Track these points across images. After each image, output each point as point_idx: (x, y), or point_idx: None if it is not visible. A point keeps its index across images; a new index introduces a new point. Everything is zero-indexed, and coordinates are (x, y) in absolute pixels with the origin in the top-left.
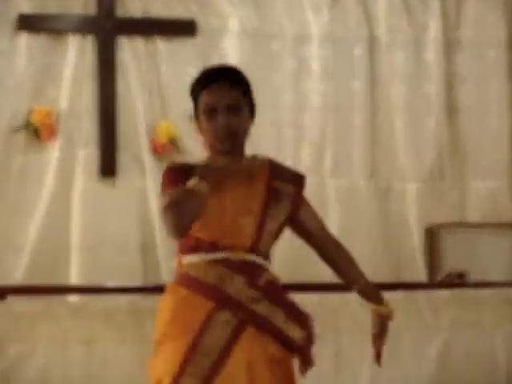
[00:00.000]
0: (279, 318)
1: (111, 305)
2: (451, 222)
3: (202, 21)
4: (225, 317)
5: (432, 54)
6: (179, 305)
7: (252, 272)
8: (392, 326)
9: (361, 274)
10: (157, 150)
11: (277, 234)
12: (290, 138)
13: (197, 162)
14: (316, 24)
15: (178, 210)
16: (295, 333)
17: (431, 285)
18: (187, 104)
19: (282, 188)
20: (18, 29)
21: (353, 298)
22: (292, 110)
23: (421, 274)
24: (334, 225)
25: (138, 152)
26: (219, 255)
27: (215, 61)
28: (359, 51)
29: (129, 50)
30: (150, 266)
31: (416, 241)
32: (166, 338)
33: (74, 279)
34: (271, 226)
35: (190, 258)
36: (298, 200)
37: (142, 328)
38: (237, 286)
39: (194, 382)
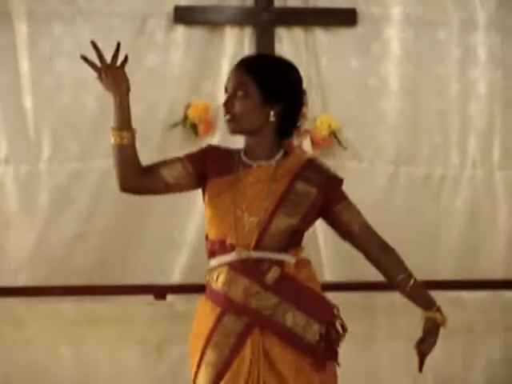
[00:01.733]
0: (290, 316)
1: None
2: None
3: (363, 10)
4: (231, 321)
5: None
6: (198, 314)
7: (258, 270)
8: None
9: (408, 278)
10: (317, 143)
11: (290, 234)
12: (456, 128)
13: (234, 150)
14: (483, 10)
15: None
16: (310, 329)
17: None
18: (348, 96)
19: (303, 189)
20: (175, 22)
21: None
22: (458, 100)
23: None
24: (501, 222)
25: (298, 145)
26: (227, 257)
27: (377, 51)
28: None
29: (287, 41)
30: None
31: None
32: (190, 353)
33: None
34: (278, 226)
35: (210, 263)
36: (328, 202)
37: None
38: (242, 289)
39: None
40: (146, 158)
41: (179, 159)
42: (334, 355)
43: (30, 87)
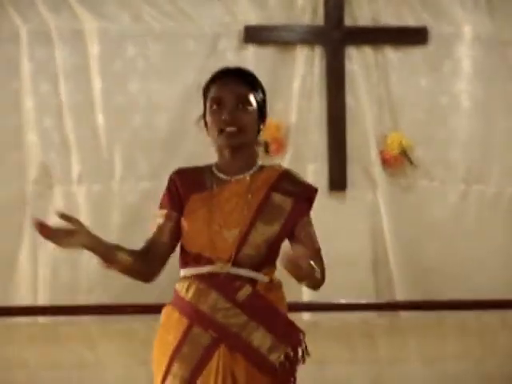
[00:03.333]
0: (257, 336)
1: (343, 323)
2: None
3: (433, 28)
4: (198, 334)
5: None
6: (164, 322)
7: (231, 286)
8: None
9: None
10: (388, 162)
11: (268, 246)
12: None
13: (204, 166)
14: None
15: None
16: (276, 349)
17: None
18: (419, 114)
19: (279, 201)
20: (245, 41)
21: None
22: None
23: None
24: None
25: (368, 165)
26: (202, 269)
27: (448, 69)
28: None
29: (357, 59)
30: (382, 283)
31: None
32: (154, 359)
33: (306, 297)
34: (256, 239)
35: (181, 273)
36: (297, 215)
37: (374, 347)
38: (211, 303)
39: None
40: None
41: (161, 216)
42: (293, 378)
43: (102, 106)
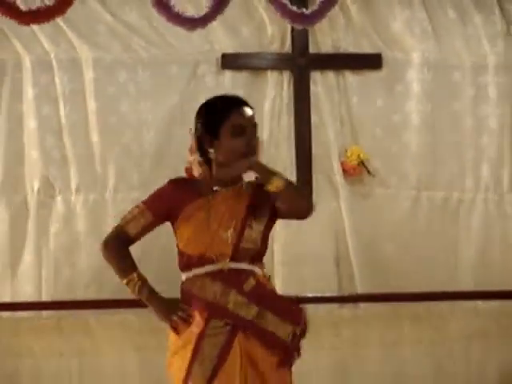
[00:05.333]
0: (266, 320)
1: (310, 314)
2: None
3: (387, 54)
4: (218, 325)
5: None
6: (178, 334)
7: (238, 279)
8: None
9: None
10: (348, 172)
11: (262, 240)
12: (470, 158)
13: (197, 180)
14: (492, 54)
15: (113, 267)
16: (285, 330)
17: None
18: (376, 130)
19: (261, 203)
20: (222, 67)
21: None
22: (472, 133)
23: None
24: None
25: (331, 175)
26: (208, 268)
27: (400, 91)
28: None
29: (321, 83)
30: (345, 278)
31: None
32: (177, 349)
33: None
34: (250, 235)
35: (186, 275)
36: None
37: (338, 335)
38: (224, 296)
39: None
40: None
41: (141, 212)
42: (298, 352)
43: (96, 125)
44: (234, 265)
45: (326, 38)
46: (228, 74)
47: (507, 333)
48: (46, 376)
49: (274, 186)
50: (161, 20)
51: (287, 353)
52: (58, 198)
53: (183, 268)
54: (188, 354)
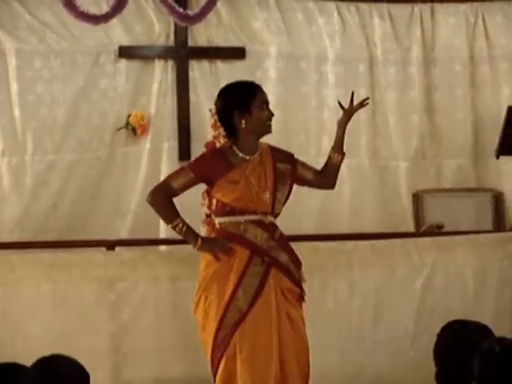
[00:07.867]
0: (286, 260)
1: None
2: (431, 189)
3: (249, 48)
4: (258, 261)
5: (415, 69)
6: (222, 258)
7: (271, 229)
8: (388, 263)
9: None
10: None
11: (285, 202)
12: (314, 131)
13: (224, 148)
14: (331, 48)
15: (159, 212)
16: (297, 271)
17: (417, 234)
18: None
19: (283, 168)
20: (119, 56)
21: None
22: (315, 110)
23: (410, 226)
24: (346, 194)
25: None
26: (251, 217)
27: (260, 77)
28: (362, 67)
29: (198, 69)
30: None
31: (406, 203)
32: (214, 279)
33: (163, 234)
34: (280, 197)
35: (226, 219)
36: (294, 170)
37: None
38: (263, 239)
39: (241, 306)
40: (102, 152)
41: (185, 172)
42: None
43: (18, 103)
44: (271, 219)
45: (201, 34)
46: (124, 63)
47: (340, 267)
48: None
49: (337, 157)
50: (69, 17)
51: (301, 287)
52: None
53: (223, 214)
54: (230, 281)
